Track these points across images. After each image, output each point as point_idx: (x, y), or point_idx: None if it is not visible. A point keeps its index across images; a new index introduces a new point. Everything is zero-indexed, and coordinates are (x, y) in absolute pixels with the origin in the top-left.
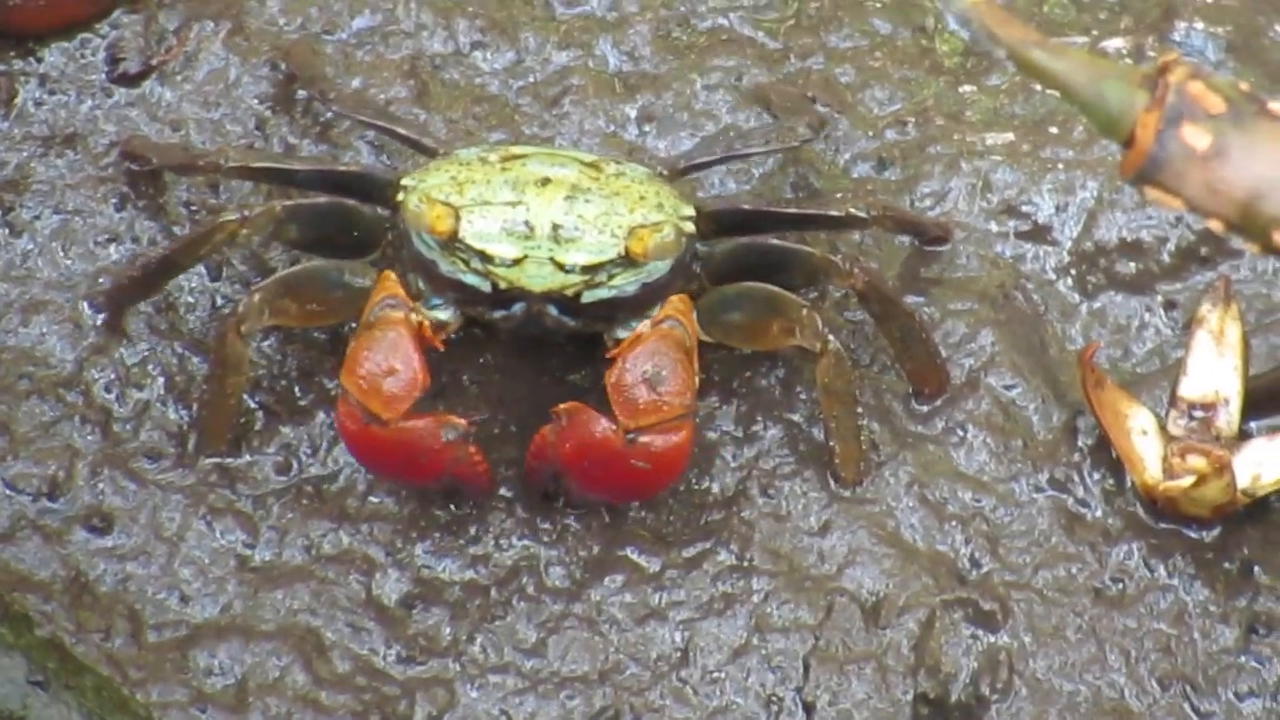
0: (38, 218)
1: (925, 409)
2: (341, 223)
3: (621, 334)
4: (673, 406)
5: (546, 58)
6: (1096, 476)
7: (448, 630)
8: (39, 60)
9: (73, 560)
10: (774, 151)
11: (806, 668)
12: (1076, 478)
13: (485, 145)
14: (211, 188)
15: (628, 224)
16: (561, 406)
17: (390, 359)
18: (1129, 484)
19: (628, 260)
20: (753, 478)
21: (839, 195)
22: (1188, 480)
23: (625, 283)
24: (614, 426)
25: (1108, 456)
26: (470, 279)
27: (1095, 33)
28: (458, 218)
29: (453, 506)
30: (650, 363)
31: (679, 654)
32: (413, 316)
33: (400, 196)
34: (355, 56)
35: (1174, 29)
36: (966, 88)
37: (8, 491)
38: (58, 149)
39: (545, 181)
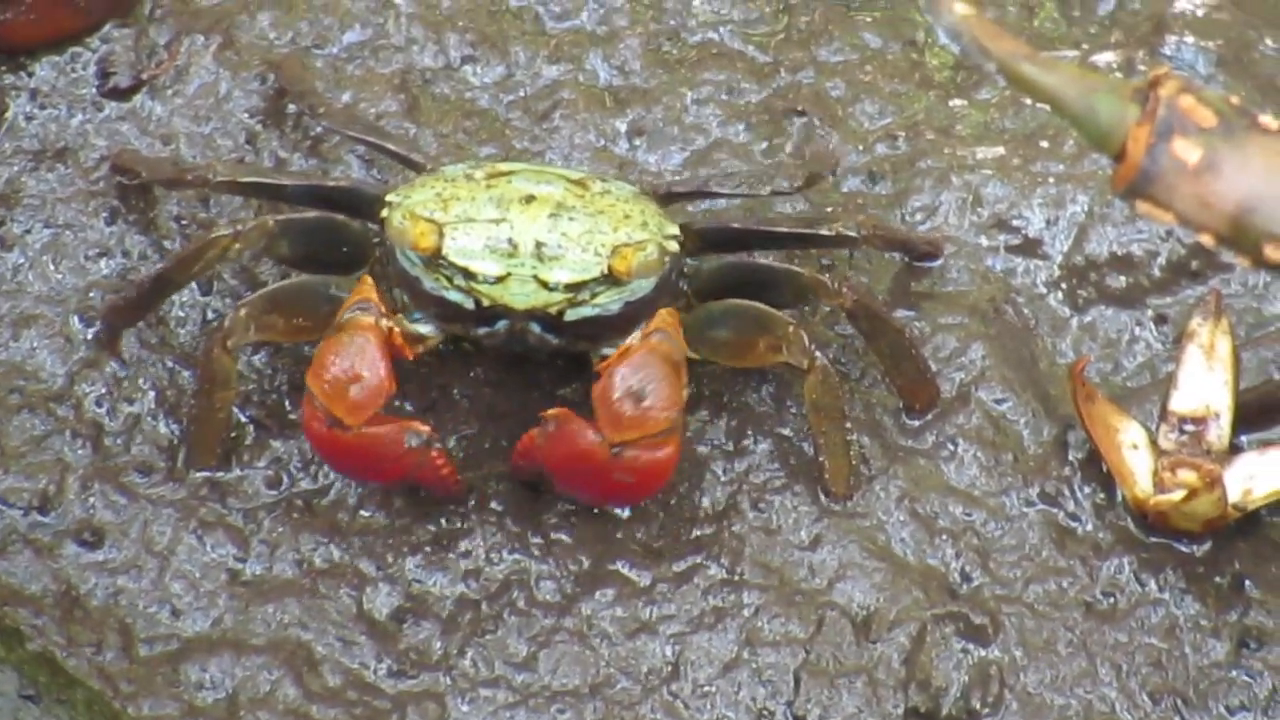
0: (28, 232)
1: (916, 423)
2: (331, 238)
3: (606, 352)
4: (658, 421)
5: (537, 72)
6: (1087, 490)
7: (439, 644)
8: (30, 74)
9: (64, 574)
10: (755, 196)
11: (797, 682)
12: (1067, 492)
13: (472, 162)
14: (202, 202)
15: (611, 242)
16: (550, 412)
17: (356, 365)
18: (1120, 498)
19: (611, 279)
20: (743, 492)
21: (829, 210)
22: (1179, 494)
23: (608, 301)
24: (600, 438)
25: (1098, 471)
26: (453, 296)
27: (1086, 46)
28: (441, 234)
29: (443, 521)
30: (637, 376)
31: (670, 668)
32: (383, 322)
33: (385, 212)
34: (346, 71)
35: (1165, 43)
36: (957, 102)
37: None
38: (48, 163)
39: (530, 199)
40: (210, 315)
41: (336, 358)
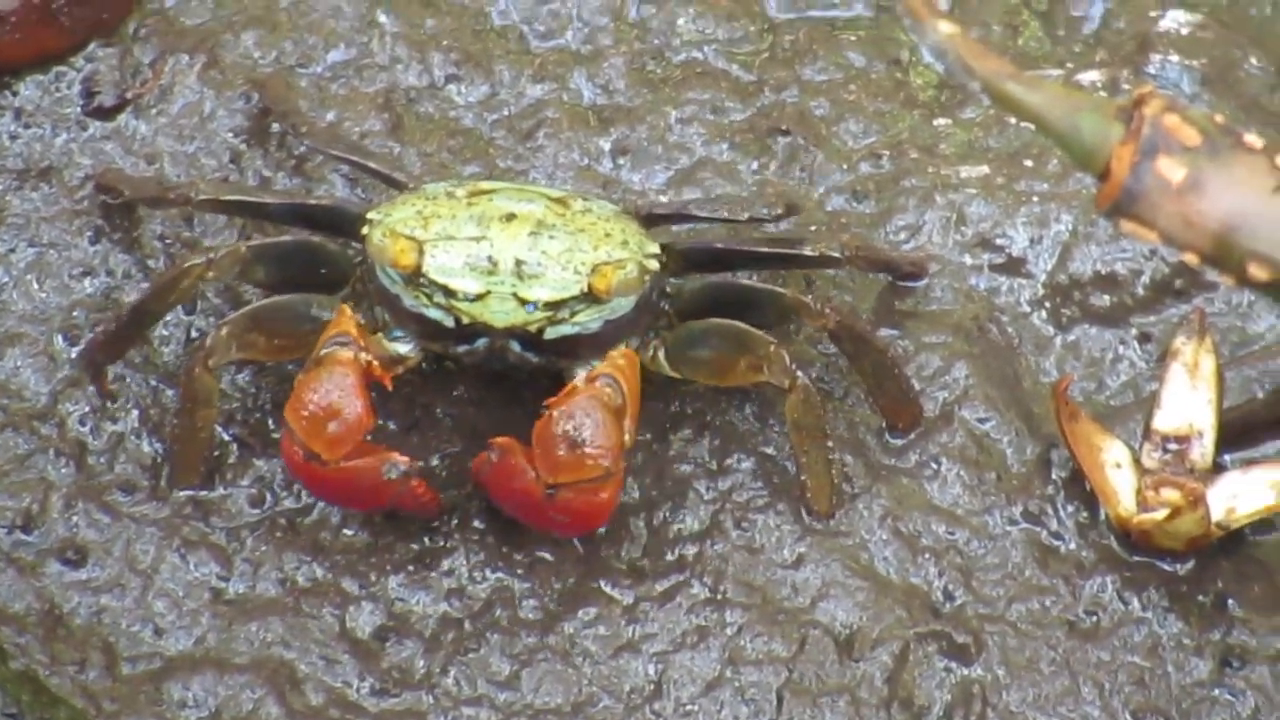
0: (12, 251)
1: (899, 442)
2: (309, 260)
3: (586, 369)
4: (593, 467)
5: (521, 91)
6: (1070, 509)
7: (421, 663)
8: (14, 94)
9: (47, 593)
10: (734, 222)
11: (780, 700)
12: (1050, 510)
13: (454, 180)
14: (186, 221)
15: (591, 261)
16: (497, 440)
17: (334, 401)
18: (1103, 517)
19: (590, 297)
20: (726, 511)
21: (813, 228)
22: (1162, 513)
23: (588, 319)
24: (535, 478)
25: (1081, 489)
26: (433, 313)
27: (1070, 65)
28: (421, 252)
29: (426, 540)
30: (574, 421)
31: (652, 686)
32: (362, 356)
33: (366, 230)
34: (330, 90)
35: (1149, 61)
36: (941, 121)
37: None
38: (33, 182)
39: (510, 217)
40: (194, 334)
41: (314, 393)
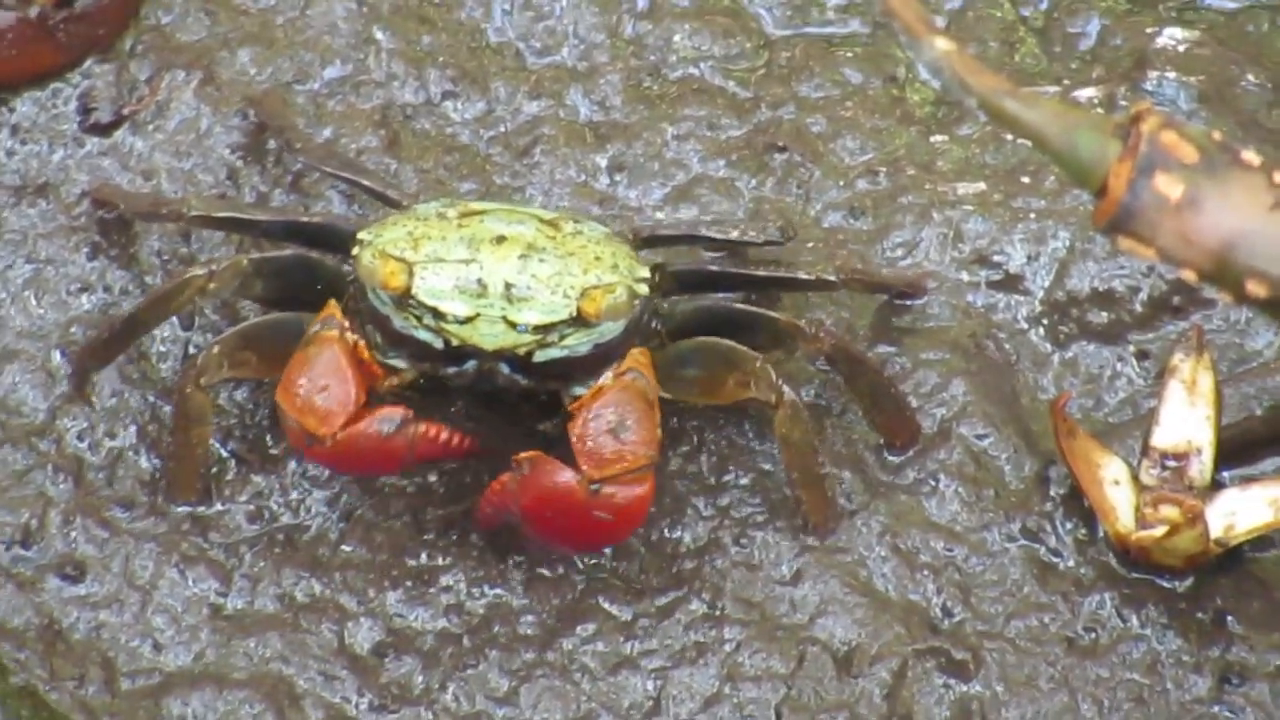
0: (10, 267)
1: (897, 459)
2: (306, 276)
3: (578, 391)
4: (637, 457)
5: (517, 107)
6: (1069, 526)
7: (420, 679)
8: (11, 110)
9: (46, 608)
10: (736, 243)
11: (778, 717)
12: (1049, 527)
13: (446, 200)
14: (184, 237)
15: (581, 284)
16: (523, 455)
17: (323, 376)
18: (1101, 534)
19: (580, 320)
20: (724, 527)
21: (810, 245)
22: (1160, 530)
23: (577, 343)
24: (577, 476)
25: (1080, 506)
26: (423, 335)
27: (1067, 82)
28: (411, 274)
29: (425, 556)
30: (614, 413)
31: (651, 703)
32: (348, 335)
33: (356, 250)
34: (326, 106)
35: (1146, 78)
36: (938, 137)
37: None
38: (29, 198)
39: (500, 239)
40: (191, 350)
41: (303, 371)
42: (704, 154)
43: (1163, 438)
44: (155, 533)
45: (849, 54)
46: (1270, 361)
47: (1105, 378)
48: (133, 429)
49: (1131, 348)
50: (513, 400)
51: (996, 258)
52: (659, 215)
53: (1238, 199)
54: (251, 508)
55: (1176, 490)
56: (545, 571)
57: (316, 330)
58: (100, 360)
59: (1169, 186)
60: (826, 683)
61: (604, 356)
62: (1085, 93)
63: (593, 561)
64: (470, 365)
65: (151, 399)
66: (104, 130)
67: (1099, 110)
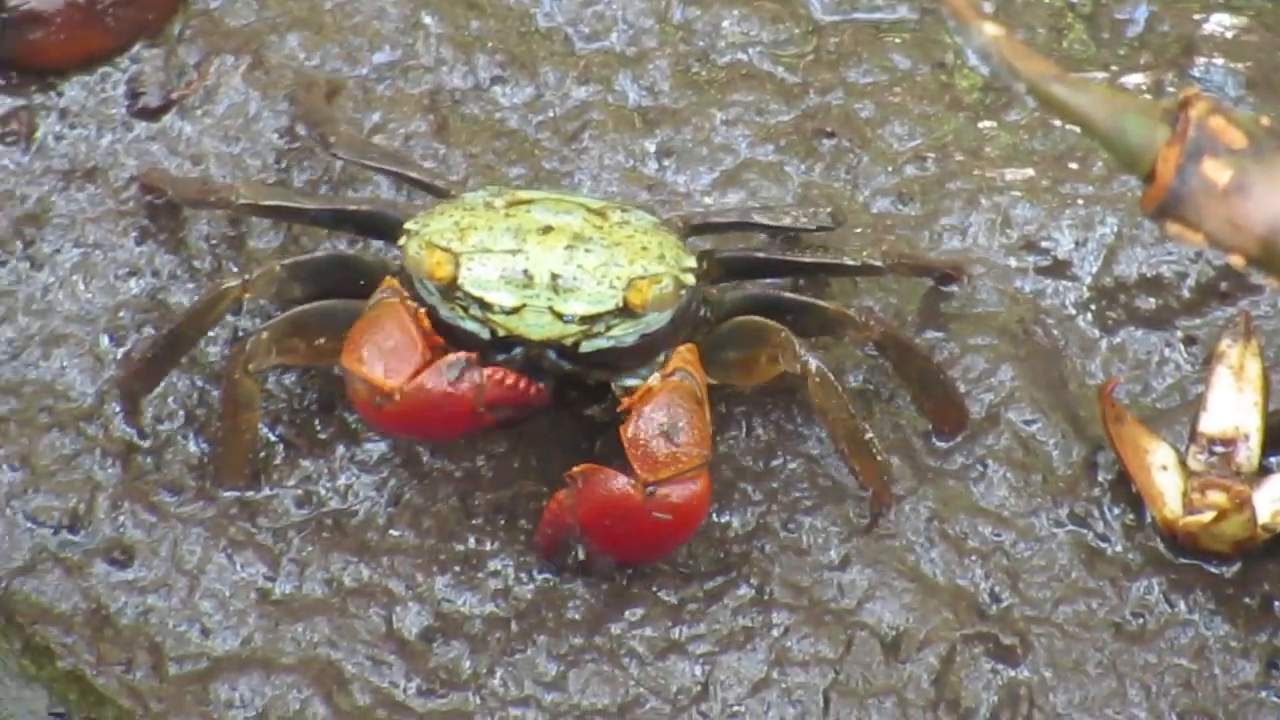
0: (58, 251)
1: (945, 445)
2: (345, 274)
3: (628, 381)
4: (691, 457)
5: (566, 92)
6: (1116, 511)
7: (468, 663)
8: (59, 94)
9: (94, 593)
10: (787, 230)
11: (827, 702)
12: (1096, 513)
13: (494, 188)
14: (232, 221)
15: (627, 275)
16: (575, 470)
17: (388, 335)
18: (1149, 519)
19: (626, 311)
20: (773, 512)
21: (858, 230)
22: (1208, 515)
23: (624, 333)
24: (632, 481)
25: (1128, 492)
26: (469, 325)
27: (1115, 68)
28: (457, 264)
29: (473, 540)
30: (665, 415)
31: (699, 688)
32: (410, 302)
33: (403, 240)
34: (375, 91)
35: (1194, 64)
36: (986, 123)
37: (29, 524)
38: (78, 183)
39: (547, 229)
40: (240, 334)
41: (368, 332)
42: (752, 139)
43: (1210, 423)
44: (203, 517)
45: (897, 40)
46: None
47: (1153, 363)
48: (181, 413)
49: (1179, 333)
50: (559, 386)
51: (1045, 243)
52: (707, 200)
53: None
54: (300, 492)
55: (1224, 476)
56: None
57: (380, 298)
58: (147, 383)
59: (1217, 171)
60: (874, 667)
61: (651, 346)
62: (1133, 79)
63: None
64: (517, 353)
65: (200, 383)
66: (152, 114)
67: (1147, 96)
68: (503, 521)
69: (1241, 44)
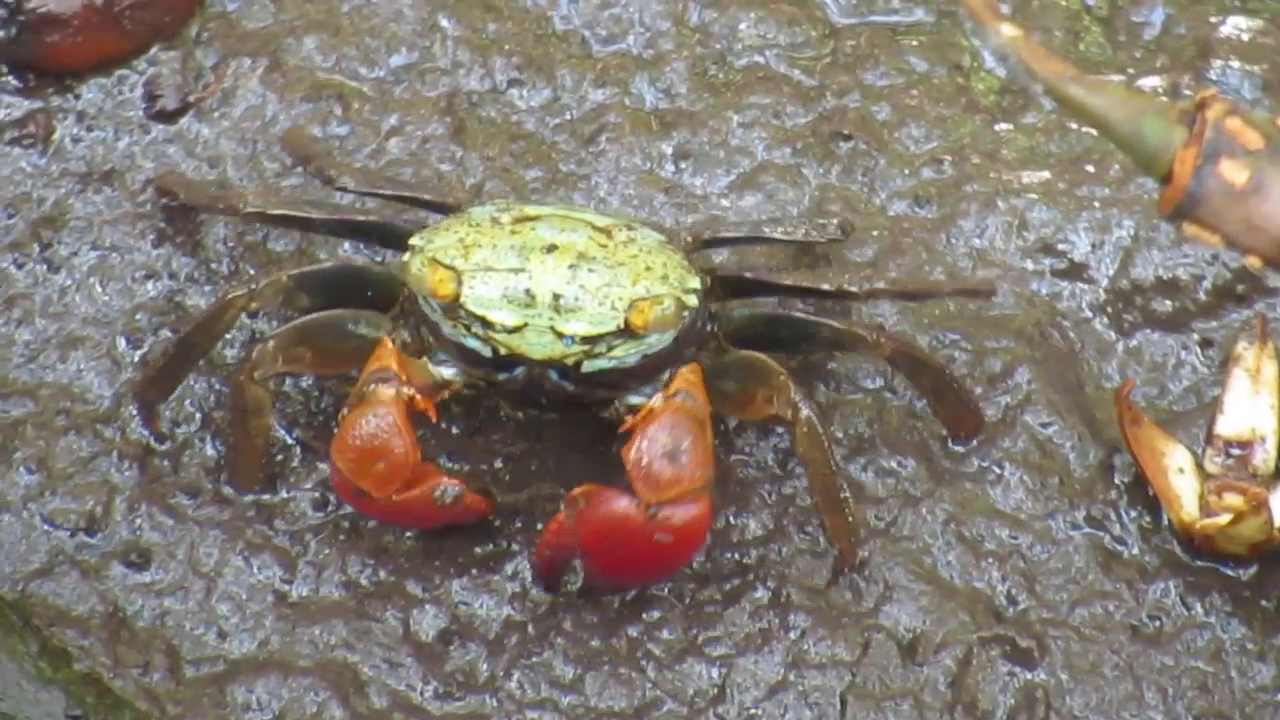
0: (75, 254)
1: (961, 448)
2: (353, 284)
3: (632, 399)
4: (693, 479)
5: (583, 95)
6: (1133, 514)
7: (485, 666)
8: (76, 97)
9: (111, 595)
10: (797, 242)
11: (844, 704)
12: (1113, 515)
13: (502, 203)
14: (251, 224)
15: (629, 296)
16: (577, 491)
17: (379, 440)
18: (1166, 521)
19: (627, 332)
20: (789, 515)
21: (875, 232)
22: (1225, 518)
23: (625, 354)
24: (634, 502)
25: (1144, 494)
26: (471, 343)
27: (1131, 70)
28: (460, 282)
29: (490, 543)
30: (668, 436)
31: (716, 690)
32: (403, 390)
33: (406, 257)
34: (392, 94)
35: (1210, 66)
36: (1003, 126)
37: (46, 527)
38: (95, 185)
39: (551, 248)
40: (257, 337)
41: (359, 434)
42: (769, 142)
43: (1227, 426)
44: (220, 520)
45: (914, 42)
46: None
47: (1169, 366)
48: (198, 416)
49: (1196, 336)
50: (563, 405)
51: (1061, 246)
52: (724, 203)
53: None
54: (317, 495)
55: (1240, 478)
56: None
57: (373, 388)
58: (162, 391)
59: (1234, 173)
60: (891, 670)
61: (655, 366)
62: (1149, 81)
63: None
64: (519, 372)
65: (217, 386)
66: (169, 117)
67: (1163, 98)
68: (519, 524)
69: (1258, 46)
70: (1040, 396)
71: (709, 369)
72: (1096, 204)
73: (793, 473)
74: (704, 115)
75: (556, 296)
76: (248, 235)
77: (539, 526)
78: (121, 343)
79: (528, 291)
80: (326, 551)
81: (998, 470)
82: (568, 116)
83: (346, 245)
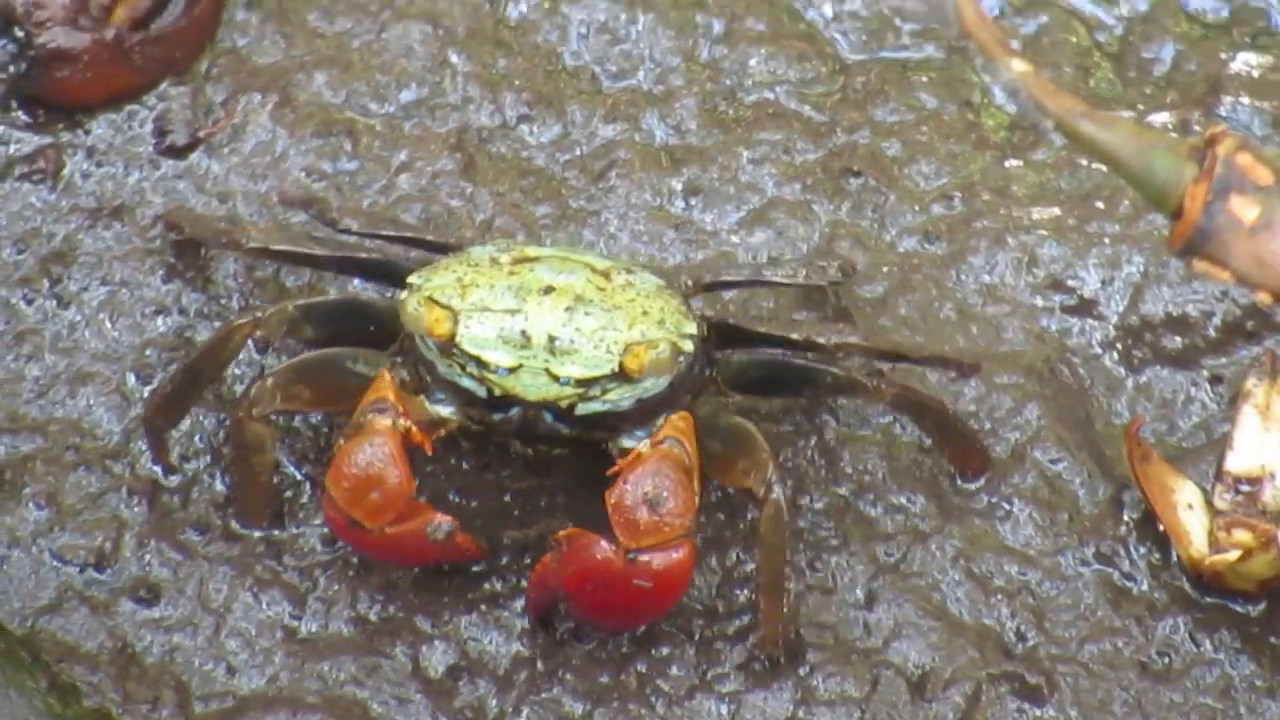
0: (85, 289)
1: (971, 485)
2: (357, 318)
3: (626, 443)
4: (674, 527)
5: (593, 131)
6: (1142, 550)
7: (494, 702)
8: (86, 132)
9: (120, 631)
10: (798, 285)
11: None
12: (1122, 551)
13: (503, 243)
14: (260, 260)
15: (624, 340)
16: (561, 533)
17: (374, 470)
18: (1175, 558)
19: (622, 376)
20: (799, 551)
21: (885, 268)
22: (1234, 554)
23: (620, 397)
24: (614, 547)
25: (1154, 530)
26: (466, 383)
27: (1141, 107)
28: (456, 321)
29: (499, 580)
30: (651, 483)
31: None
32: (400, 422)
33: (404, 295)
34: (402, 129)
35: (1220, 103)
36: (1013, 162)
37: (55, 562)
38: (105, 221)
39: (549, 289)
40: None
41: (353, 463)
42: (779, 178)
43: (1236, 462)
44: (229, 556)
45: (924, 78)
46: None
47: (1179, 402)
48: (207, 451)
49: (1205, 372)
50: (559, 447)
51: (1071, 282)
52: (734, 239)
53: None
54: (326, 530)
55: (1250, 515)
56: None
57: (370, 418)
58: (170, 419)
59: (1244, 209)
60: (901, 706)
61: (650, 410)
62: (1159, 118)
63: None
64: (514, 413)
65: (226, 421)
66: (179, 153)
67: (1174, 134)
68: (529, 560)
69: (1268, 83)
70: (1050, 433)
71: (702, 423)
72: (1106, 240)
73: (801, 509)
74: (714, 151)
75: (552, 338)
76: (257, 271)
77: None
78: (131, 378)
79: (523, 333)
80: (335, 587)
81: (1007, 506)
82: (578, 152)
83: (357, 282)
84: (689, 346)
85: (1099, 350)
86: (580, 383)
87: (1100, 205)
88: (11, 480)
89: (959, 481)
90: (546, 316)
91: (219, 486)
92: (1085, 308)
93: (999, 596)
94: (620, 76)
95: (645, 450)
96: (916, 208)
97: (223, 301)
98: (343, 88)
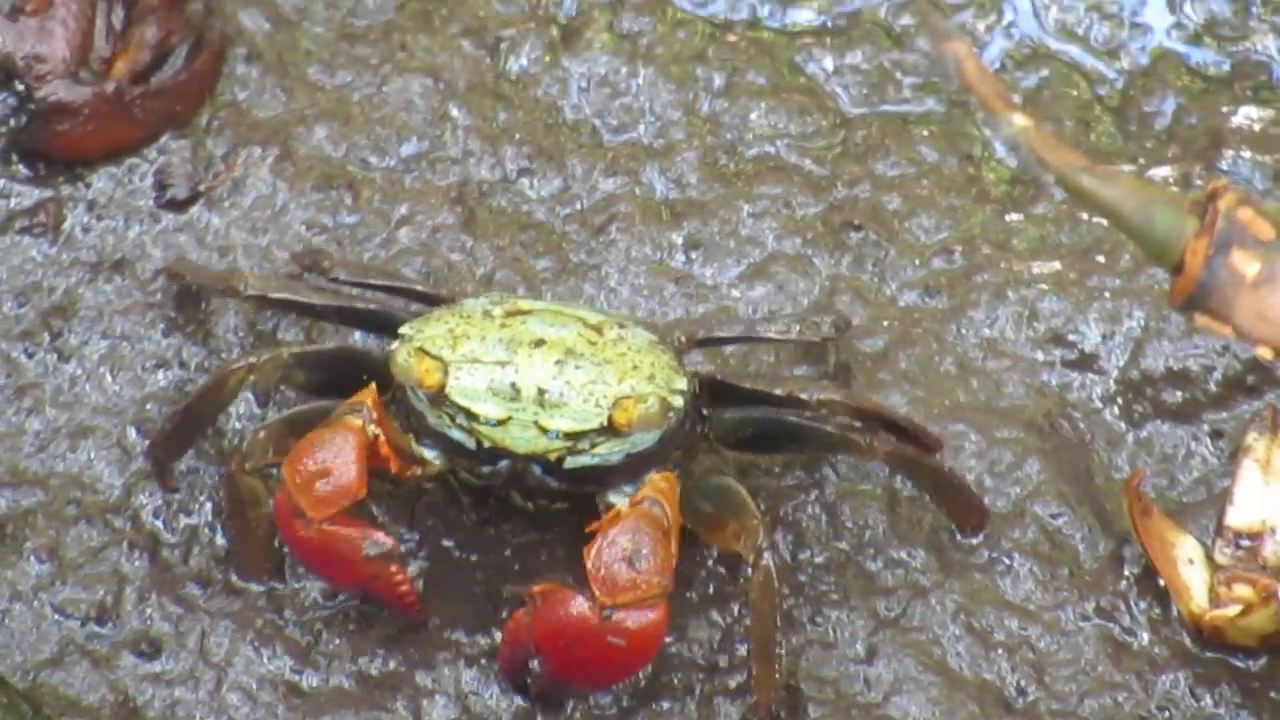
0: (85, 343)
1: (972, 540)
2: (350, 366)
3: (613, 499)
4: (651, 585)
5: (593, 185)
6: (1143, 605)
7: None
8: (87, 186)
9: (121, 685)
10: (791, 341)
11: None
12: (1123, 606)
13: (496, 296)
14: (260, 313)
15: (614, 394)
16: (536, 588)
17: (329, 460)
18: (1175, 613)
19: (611, 430)
20: (800, 605)
21: (885, 322)
22: (1234, 609)
23: (609, 451)
24: (589, 603)
25: (1154, 585)
26: (455, 434)
27: (1143, 161)
28: (446, 372)
29: (499, 633)
30: (629, 540)
31: None
32: (370, 428)
33: (394, 345)
34: (403, 183)
35: (1221, 157)
36: (1013, 216)
37: (57, 617)
38: (105, 274)
39: (539, 342)
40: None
41: (312, 450)
42: (780, 232)
43: (1237, 517)
44: (231, 609)
45: (925, 132)
46: None
47: (1179, 457)
48: (208, 505)
49: (1206, 427)
50: (546, 501)
51: (1071, 337)
52: (734, 293)
53: None
54: (327, 584)
55: (1250, 570)
56: None
57: (343, 414)
58: (173, 453)
59: (1246, 263)
60: None
61: (639, 464)
62: (1161, 172)
63: (667, 639)
64: (503, 465)
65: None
66: (180, 206)
67: (1175, 189)
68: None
69: (1269, 137)
70: (1050, 487)
71: (693, 482)
72: (1107, 294)
73: (802, 563)
74: (714, 205)
75: (541, 391)
76: (258, 325)
77: None
78: (132, 432)
79: (513, 385)
80: (337, 641)
81: (1007, 561)
82: (578, 206)
83: (357, 335)
84: (679, 402)
85: (1100, 405)
86: (569, 436)
87: (1101, 259)
88: (13, 534)
89: (959, 537)
90: (537, 369)
91: (220, 540)
92: (1086, 362)
93: (999, 651)
94: (621, 130)
95: (624, 509)
96: (917, 261)
97: (223, 355)
98: (343, 141)
